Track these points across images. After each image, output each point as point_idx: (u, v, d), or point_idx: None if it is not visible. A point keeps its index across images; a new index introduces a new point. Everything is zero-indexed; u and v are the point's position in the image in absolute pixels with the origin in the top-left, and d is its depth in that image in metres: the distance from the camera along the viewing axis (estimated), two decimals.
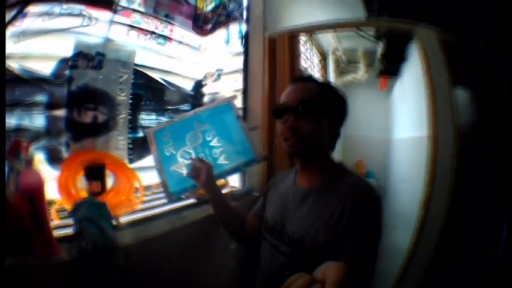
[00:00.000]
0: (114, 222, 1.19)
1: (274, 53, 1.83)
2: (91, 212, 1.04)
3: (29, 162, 0.97)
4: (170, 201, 1.38)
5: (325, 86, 1.05)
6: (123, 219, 1.27)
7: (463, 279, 1.51)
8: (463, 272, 1.52)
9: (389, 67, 2.69)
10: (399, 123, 3.00)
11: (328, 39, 3.02)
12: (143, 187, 1.39)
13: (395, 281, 1.67)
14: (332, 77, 3.25)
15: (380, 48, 2.74)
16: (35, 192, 0.93)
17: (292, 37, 1.84)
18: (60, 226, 1.11)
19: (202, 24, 2.11)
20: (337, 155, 2.92)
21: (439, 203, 1.58)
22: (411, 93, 2.34)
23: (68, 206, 1.15)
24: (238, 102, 1.85)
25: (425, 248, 1.58)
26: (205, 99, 2.02)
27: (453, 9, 1.65)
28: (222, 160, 1.42)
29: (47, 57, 1.35)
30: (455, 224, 1.52)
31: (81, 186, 1.29)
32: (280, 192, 1.09)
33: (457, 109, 1.57)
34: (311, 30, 2.09)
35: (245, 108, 1.93)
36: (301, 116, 0.92)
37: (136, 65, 1.60)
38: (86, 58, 1.44)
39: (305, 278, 0.38)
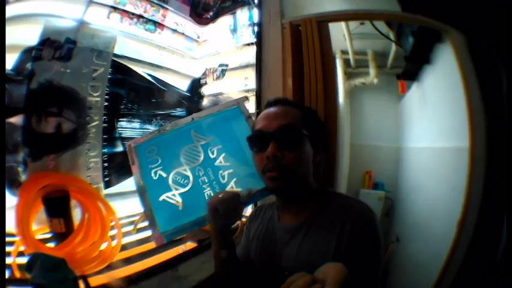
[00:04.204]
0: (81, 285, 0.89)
1: (299, 42, 1.48)
2: (45, 276, 0.79)
3: None
4: (160, 245, 1.01)
5: (306, 109, 0.99)
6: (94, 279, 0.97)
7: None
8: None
9: (410, 70, 2.47)
10: (415, 131, 2.81)
11: (335, 39, 2.76)
12: (121, 225, 1.02)
13: None
14: (340, 82, 3.00)
15: (394, 50, 2.61)
16: None
17: (321, 22, 1.49)
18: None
19: (201, 11, 1.83)
20: (344, 165, 2.79)
21: (471, 220, 1.49)
22: (435, 100, 2.20)
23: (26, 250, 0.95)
24: (251, 106, 1.46)
25: (454, 265, 1.51)
26: (206, 102, 1.76)
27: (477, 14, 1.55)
28: (232, 186, 1.06)
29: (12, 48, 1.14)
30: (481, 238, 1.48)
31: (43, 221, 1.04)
32: (261, 232, 0.99)
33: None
34: (340, 19, 1.84)
35: (259, 113, 1.52)
36: (284, 144, 0.85)
37: (116, 55, 1.35)
38: (53, 46, 1.19)
39: (305, 277, 0.42)
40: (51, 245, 1.04)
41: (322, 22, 1.50)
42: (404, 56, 2.16)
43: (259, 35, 1.61)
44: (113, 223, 1.07)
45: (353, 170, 3.02)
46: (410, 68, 2.38)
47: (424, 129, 2.47)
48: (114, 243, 1.08)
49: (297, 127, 0.86)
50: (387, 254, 2.62)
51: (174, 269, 1.13)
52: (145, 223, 1.12)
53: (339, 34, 2.54)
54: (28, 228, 0.96)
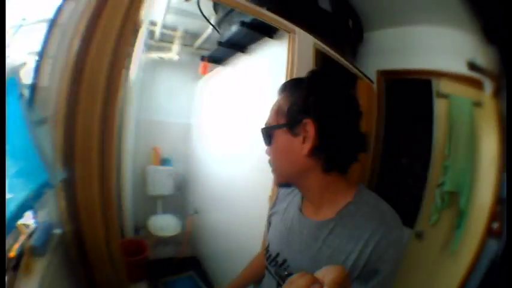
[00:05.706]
0: None
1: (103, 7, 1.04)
2: None
3: None
4: None
5: (311, 88, 0.78)
6: None
7: None
8: None
9: (218, 55, 2.49)
10: (209, 110, 2.93)
11: (148, 5, 2.45)
12: None
13: None
14: (140, 52, 2.72)
15: (208, 32, 2.59)
16: None
17: None
18: None
19: None
20: (130, 141, 2.56)
21: None
22: (241, 86, 2.26)
23: None
24: (28, 75, 1.06)
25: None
26: None
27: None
28: None
29: None
30: None
31: None
32: (284, 217, 0.93)
33: None
34: None
35: (34, 86, 1.09)
36: (267, 143, 0.83)
37: None
38: None
39: (306, 277, 0.41)
40: None
41: None
42: (219, 41, 2.11)
43: None
44: None
45: (140, 146, 2.91)
46: (220, 53, 2.39)
47: (217, 109, 2.62)
48: None
49: (269, 124, 0.82)
50: (188, 227, 2.73)
51: None
52: None
53: (156, 3, 2.34)
54: None
